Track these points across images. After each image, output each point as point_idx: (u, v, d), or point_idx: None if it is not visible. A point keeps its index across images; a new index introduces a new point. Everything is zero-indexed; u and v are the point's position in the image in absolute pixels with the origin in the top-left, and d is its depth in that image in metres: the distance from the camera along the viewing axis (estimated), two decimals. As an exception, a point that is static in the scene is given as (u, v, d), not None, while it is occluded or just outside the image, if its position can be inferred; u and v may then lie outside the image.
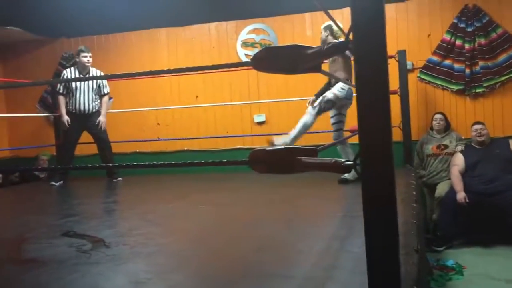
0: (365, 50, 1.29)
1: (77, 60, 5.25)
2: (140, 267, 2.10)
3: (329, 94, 4.15)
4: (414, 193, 3.56)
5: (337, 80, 4.05)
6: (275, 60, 1.61)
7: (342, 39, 4.51)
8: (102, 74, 5.35)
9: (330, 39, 4.22)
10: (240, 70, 5.80)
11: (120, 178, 5.40)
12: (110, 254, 2.28)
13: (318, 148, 1.67)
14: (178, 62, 6.18)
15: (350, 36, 1.37)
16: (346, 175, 4.18)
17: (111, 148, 5.44)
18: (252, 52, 6.03)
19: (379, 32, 1.29)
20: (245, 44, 6.07)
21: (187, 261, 2.20)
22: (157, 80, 6.23)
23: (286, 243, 2.45)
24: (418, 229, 2.65)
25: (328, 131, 4.69)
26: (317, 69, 1.71)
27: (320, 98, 4.17)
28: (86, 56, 5.17)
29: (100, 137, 5.35)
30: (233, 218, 3.19)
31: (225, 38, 6.19)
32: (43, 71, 6.41)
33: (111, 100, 6.39)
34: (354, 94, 4.78)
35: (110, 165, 5.21)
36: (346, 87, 4.13)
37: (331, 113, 4.35)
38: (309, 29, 5.88)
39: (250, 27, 6.07)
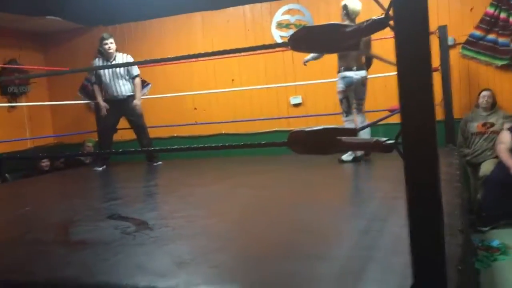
0: (407, 26, 1.26)
1: (100, 48, 5.29)
2: (183, 248, 2.15)
3: (338, 95, 4.40)
4: (457, 172, 3.47)
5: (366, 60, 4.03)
6: (313, 39, 1.59)
7: (355, 20, 4.47)
8: (129, 57, 5.34)
9: (345, 19, 4.28)
10: (275, 52, 5.76)
11: (160, 162, 5.49)
12: (154, 236, 2.34)
13: (357, 128, 1.65)
14: (213, 46, 6.19)
15: (390, 12, 1.34)
16: (343, 157, 4.28)
17: (148, 133, 5.50)
18: (287, 33, 5.97)
19: (421, 7, 1.25)
20: (279, 25, 6.02)
21: (228, 243, 2.23)
22: (193, 65, 6.27)
23: (326, 224, 2.45)
24: (462, 209, 2.59)
25: (373, 111, 4.62)
26: (356, 47, 1.68)
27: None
28: (107, 43, 5.19)
29: (137, 123, 5.41)
30: (272, 200, 3.20)
31: (259, 20, 6.15)
32: (82, 59, 6.54)
33: (149, 85, 6.49)
34: (381, 75, 5.02)
35: (151, 149, 5.29)
36: (343, 77, 4.33)
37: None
38: (345, 8, 5.74)
39: (284, 8, 6.00)
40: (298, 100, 6.02)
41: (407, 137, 1.29)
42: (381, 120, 4.06)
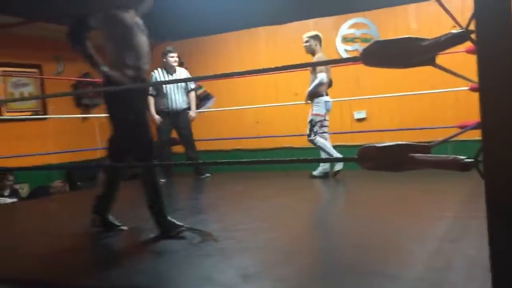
0: (491, 40, 1.20)
1: (164, 60, 5.43)
2: (248, 261, 2.16)
3: (312, 117, 4.72)
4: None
5: None
6: (387, 53, 1.55)
7: (321, 52, 4.76)
8: (187, 72, 5.53)
9: (320, 49, 4.77)
10: (339, 66, 5.71)
11: (208, 175, 5.54)
12: (219, 248, 2.37)
13: (431, 144, 1.59)
14: (277, 60, 6.23)
15: (471, 26, 1.29)
16: (314, 172, 4.76)
17: (195, 146, 5.57)
18: (352, 47, 5.91)
19: (505, 19, 1.19)
20: (345, 39, 5.97)
21: (292, 257, 2.22)
22: (256, 79, 6.34)
23: (394, 243, 2.37)
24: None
25: (441, 127, 4.50)
26: (431, 62, 1.63)
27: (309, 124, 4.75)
28: (173, 57, 5.38)
29: (187, 136, 5.51)
30: (334, 214, 3.15)
31: (324, 34, 6.11)
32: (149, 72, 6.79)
33: (213, 99, 6.62)
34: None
35: (205, 162, 5.34)
36: (325, 101, 4.73)
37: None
38: (413, 22, 5.63)
39: (350, 22, 5.95)
40: (362, 115, 5.92)
41: (489, 154, 1.23)
42: (453, 136, 3.91)
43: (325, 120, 4.88)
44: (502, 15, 1.20)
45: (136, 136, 2.69)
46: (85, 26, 2.75)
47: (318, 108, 4.74)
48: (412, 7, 5.59)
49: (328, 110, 4.82)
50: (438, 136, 4.24)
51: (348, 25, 5.96)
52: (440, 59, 1.61)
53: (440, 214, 3.01)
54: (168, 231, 2.62)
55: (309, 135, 4.73)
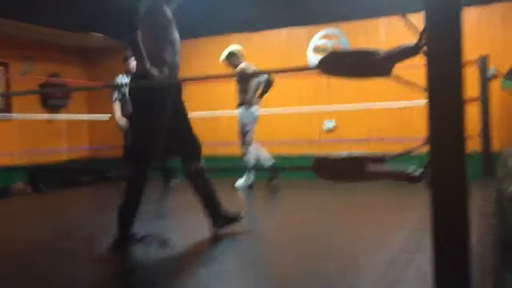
0: (440, 54, 1.21)
1: (125, 65, 5.33)
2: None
3: (240, 127, 4.78)
4: (494, 207, 3.32)
5: None
6: (342, 64, 1.56)
7: (244, 61, 4.92)
8: None
9: (241, 60, 4.91)
10: (310, 75, 5.74)
11: (177, 181, 5.42)
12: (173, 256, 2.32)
13: (386, 157, 1.59)
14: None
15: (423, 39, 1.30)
16: (236, 184, 4.81)
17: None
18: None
19: (454, 35, 1.20)
20: (317, 49, 6.01)
21: (245, 267, 2.19)
22: (228, 85, 6.31)
23: (354, 253, 2.37)
24: (497, 247, 2.46)
25: (411, 139, 4.52)
26: (387, 74, 1.63)
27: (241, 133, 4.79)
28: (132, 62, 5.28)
29: None
30: (301, 226, 3.14)
31: (296, 44, 6.16)
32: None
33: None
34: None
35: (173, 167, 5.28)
36: (253, 111, 4.79)
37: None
38: (383, 34, 5.71)
39: (322, 32, 6.00)
40: (331, 124, 5.95)
41: (435, 167, 1.23)
42: (410, 150, 3.96)
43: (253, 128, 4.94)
44: (452, 30, 1.21)
45: (189, 136, 2.69)
46: (137, 13, 2.53)
47: (244, 118, 4.82)
48: (383, 20, 5.67)
49: (254, 119, 4.87)
50: (407, 147, 4.30)
51: (320, 35, 6.00)
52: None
53: (399, 225, 3.04)
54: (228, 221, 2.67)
55: (241, 145, 4.80)
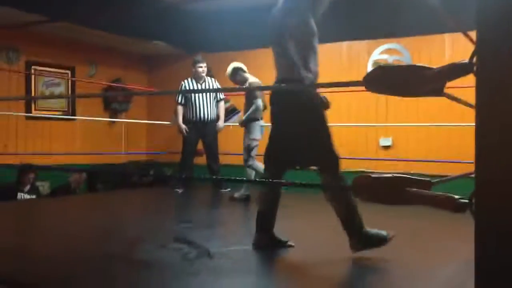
0: (490, 75, 1.11)
1: (194, 70, 5.43)
2: (236, 283, 2.08)
3: (249, 142, 4.70)
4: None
5: None
6: (389, 80, 1.48)
7: (249, 75, 4.84)
8: (217, 82, 5.53)
9: (247, 75, 4.80)
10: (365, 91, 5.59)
11: (228, 189, 5.44)
12: (211, 266, 2.30)
13: (434, 181, 1.49)
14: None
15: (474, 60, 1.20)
16: (235, 194, 4.79)
17: (218, 159, 5.51)
18: (383, 73, 5.80)
19: (506, 54, 1.10)
20: (376, 64, 5.86)
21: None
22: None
23: (397, 283, 2.25)
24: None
25: (448, 161, 4.30)
26: (438, 92, 1.54)
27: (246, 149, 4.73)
28: (201, 66, 5.36)
29: (211, 147, 5.45)
30: (340, 248, 3.02)
31: (356, 58, 6.04)
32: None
33: (240, 113, 6.60)
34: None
35: (225, 177, 5.30)
36: (261, 125, 4.72)
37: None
38: (448, 51, 5.48)
39: (383, 47, 5.85)
40: (388, 142, 5.77)
41: (481, 196, 1.13)
42: (459, 176, 3.73)
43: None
44: (503, 49, 1.11)
45: (329, 148, 2.68)
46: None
47: (254, 133, 4.73)
48: (447, 36, 5.45)
49: (262, 134, 4.77)
50: (450, 170, 4.09)
51: (380, 50, 5.85)
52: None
53: (453, 255, 2.85)
54: (369, 243, 2.58)
55: (246, 160, 4.70)
